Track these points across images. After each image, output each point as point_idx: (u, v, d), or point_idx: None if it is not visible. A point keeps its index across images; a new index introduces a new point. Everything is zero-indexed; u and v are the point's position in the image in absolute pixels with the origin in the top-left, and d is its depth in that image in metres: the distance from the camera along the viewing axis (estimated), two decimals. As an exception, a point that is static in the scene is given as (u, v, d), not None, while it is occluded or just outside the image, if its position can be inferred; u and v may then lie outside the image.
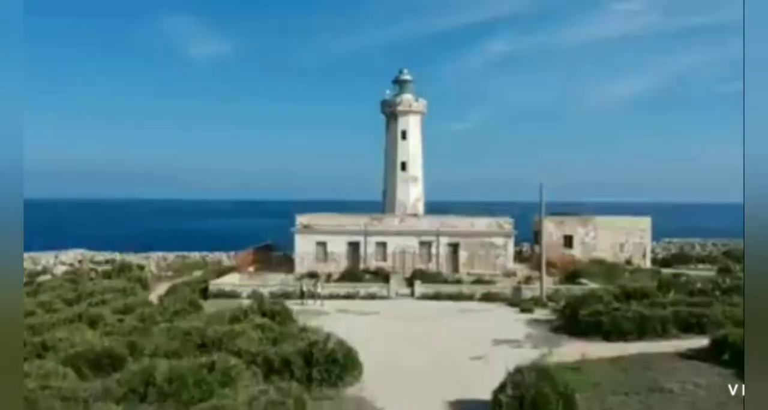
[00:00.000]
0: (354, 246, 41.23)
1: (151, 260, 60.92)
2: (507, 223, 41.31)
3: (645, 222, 49.35)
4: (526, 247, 69.25)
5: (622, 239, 48.56)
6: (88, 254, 71.69)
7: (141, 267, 44.89)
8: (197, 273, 44.83)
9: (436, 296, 33.57)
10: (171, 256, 69.83)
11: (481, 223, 41.52)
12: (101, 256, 61.14)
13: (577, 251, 48.29)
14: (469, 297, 33.52)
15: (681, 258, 53.75)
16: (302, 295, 32.34)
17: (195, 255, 72.72)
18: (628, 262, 48.10)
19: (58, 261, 50.35)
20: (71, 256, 59.57)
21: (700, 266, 50.96)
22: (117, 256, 63.58)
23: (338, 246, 41.10)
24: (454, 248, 40.94)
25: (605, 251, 48.30)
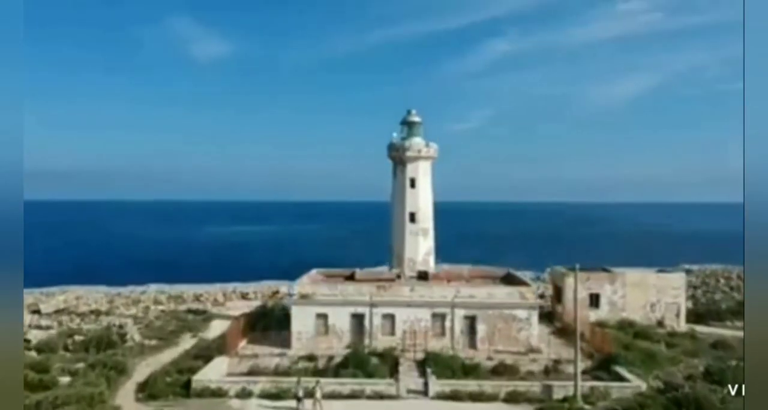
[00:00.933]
0: (358, 319, 36.77)
1: (139, 308, 56.74)
2: (530, 292, 36.82)
3: (678, 279, 44.86)
4: (541, 288, 64.78)
5: (653, 299, 44.06)
6: (74, 293, 67.60)
7: (122, 337, 40.41)
8: (185, 343, 40.53)
9: (454, 396, 29.16)
10: (163, 298, 65.87)
11: (501, 293, 37.00)
12: (86, 304, 56.84)
13: (604, 312, 43.88)
14: (493, 397, 29.11)
15: (714, 313, 49.14)
16: (299, 400, 27.92)
17: (189, 293, 68.76)
18: (660, 323, 43.69)
19: (35, 324, 45.92)
20: (53, 305, 55.32)
21: (738, 323, 46.48)
22: (104, 302, 59.45)
23: (340, 319, 36.66)
24: (471, 321, 36.45)
25: (635, 312, 43.89)
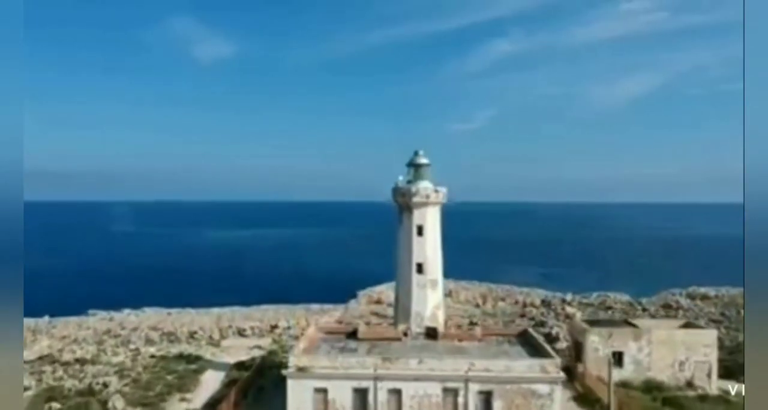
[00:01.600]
0: (361, 393, 33.30)
1: (128, 353, 53.36)
2: (552, 365, 33.27)
3: (710, 336, 41.29)
4: (555, 328, 61.45)
5: (682, 357, 40.54)
6: (63, 331, 64.48)
7: (104, 405, 37.09)
8: (173, 409, 37.30)
9: None
10: (155, 336, 62.71)
11: (520, 366, 33.46)
12: (71, 350, 53.45)
13: (628, 371, 40.41)
14: None
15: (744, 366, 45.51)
16: None
17: (183, 330, 65.57)
18: (690, 384, 40.22)
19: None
20: (36, 351, 52.17)
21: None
22: (91, 344, 56.22)
23: (342, 394, 33.19)
24: (487, 396, 32.96)
25: (662, 371, 40.41)
